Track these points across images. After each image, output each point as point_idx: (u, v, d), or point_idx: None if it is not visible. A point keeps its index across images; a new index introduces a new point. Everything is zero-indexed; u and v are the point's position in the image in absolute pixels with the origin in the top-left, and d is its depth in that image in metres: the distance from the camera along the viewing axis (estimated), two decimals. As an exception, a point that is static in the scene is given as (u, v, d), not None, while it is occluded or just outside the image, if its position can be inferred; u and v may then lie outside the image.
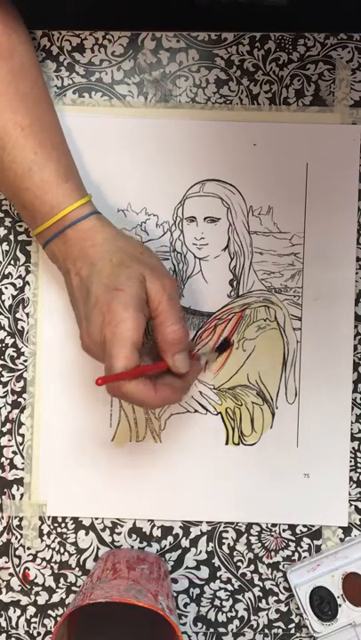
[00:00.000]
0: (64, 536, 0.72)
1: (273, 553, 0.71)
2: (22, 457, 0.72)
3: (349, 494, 0.71)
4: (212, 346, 0.71)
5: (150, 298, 0.62)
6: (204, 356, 0.70)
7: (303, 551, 0.71)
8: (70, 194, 0.64)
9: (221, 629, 0.71)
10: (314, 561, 0.70)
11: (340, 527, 0.71)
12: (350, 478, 0.71)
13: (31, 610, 0.72)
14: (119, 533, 0.72)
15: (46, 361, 0.72)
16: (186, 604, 0.71)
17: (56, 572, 0.72)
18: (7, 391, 0.72)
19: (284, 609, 0.71)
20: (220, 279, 0.72)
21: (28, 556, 0.72)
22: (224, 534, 0.71)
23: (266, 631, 0.71)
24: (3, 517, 0.72)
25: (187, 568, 0.71)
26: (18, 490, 0.72)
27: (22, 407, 0.72)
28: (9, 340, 0.72)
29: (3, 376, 0.72)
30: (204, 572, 0.71)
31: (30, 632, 0.72)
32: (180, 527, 0.72)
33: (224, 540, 0.71)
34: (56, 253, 0.65)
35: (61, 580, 0.72)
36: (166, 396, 0.62)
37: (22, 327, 0.72)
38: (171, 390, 0.63)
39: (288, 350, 0.72)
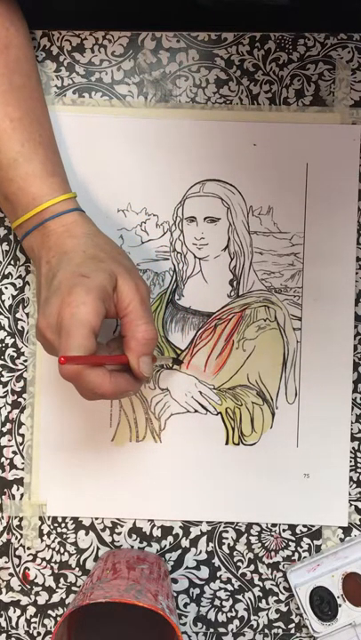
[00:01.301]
0: (64, 536, 0.72)
1: (273, 553, 0.71)
2: (22, 457, 0.72)
3: (349, 494, 0.71)
4: (169, 357, 0.71)
5: (122, 296, 0.61)
6: (159, 360, 0.69)
7: (303, 551, 0.71)
8: (55, 188, 0.64)
9: (221, 629, 0.71)
10: (314, 561, 0.70)
11: (340, 527, 0.71)
12: (350, 478, 0.71)
13: (31, 610, 0.72)
14: (119, 533, 0.72)
15: (46, 361, 0.72)
16: (186, 604, 0.71)
17: (56, 571, 0.72)
18: (7, 391, 0.72)
19: (284, 609, 0.71)
20: (220, 279, 0.72)
21: (28, 556, 0.72)
22: (224, 534, 0.71)
23: (266, 631, 0.71)
24: (3, 517, 0.72)
25: (187, 568, 0.72)
26: (18, 490, 0.72)
27: (22, 407, 0.72)
28: (9, 340, 0.72)
29: (3, 376, 0.72)
30: (204, 572, 0.71)
31: (30, 632, 0.72)
32: (180, 527, 0.72)
33: (224, 540, 0.71)
34: (33, 245, 0.64)
35: (61, 579, 0.72)
36: (121, 385, 0.60)
37: (22, 327, 0.72)
38: (125, 381, 0.61)
39: (288, 350, 0.72)
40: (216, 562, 0.71)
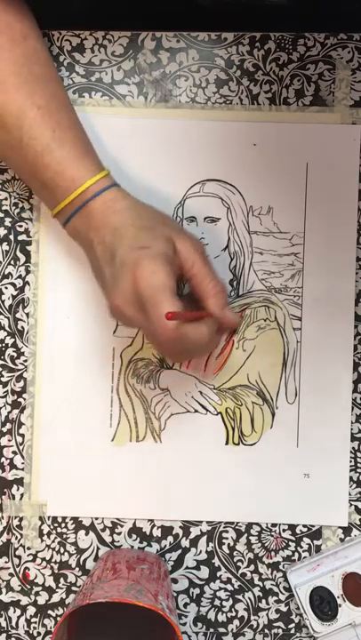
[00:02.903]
0: (64, 536, 0.72)
1: (273, 553, 0.71)
2: (22, 457, 0.72)
3: (349, 494, 0.71)
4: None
5: (183, 258, 0.63)
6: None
7: (303, 551, 0.71)
8: (90, 167, 0.65)
9: (221, 629, 0.71)
10: (314, 561, 0.70)
11: (340, 527, 0.71)
12: (350, 478, 0.71)
13: (31, 610, 0.72)
14: (119, 533, 0.72)
15: (46, 361, 0.72)
16: (186, 604, 0.71)
17: (56, 571, 0.72)
18: (7, 391, 0.72)
19: (284, 609, 0.71)
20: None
21: (28, 556, 0.72)
22: (224, 534, 0.71)
23: (266, 631, 0.71)
24: (3, 517, 0.72)
25: (187, 568, 0.72)
26: (18, 490, 0.72)
27: (22, 407, 0.72)
28: (9, 340, 0.72)
29: (3, 376, 0.72)
30: (204, 572, 0.71)
31: (30, 632, 0.72)
32: (180, 527, 0.72)
33: (224, 540, 0.71)
34: (78, 228, 0.65)
35: (61, 579, 0.72)
36: (211, 336, 0.63)
37: (22, 327, 0.72)
38: (210, 332, 0.63)
39: (288, 350, 0.72)
40: (216, 562, 0.71)
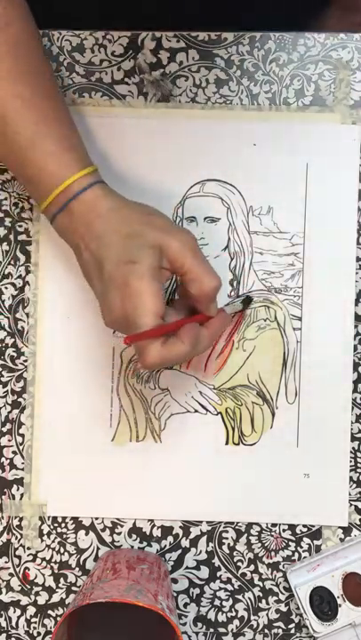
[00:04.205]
0: (64, 536, 0.72)
1: (273, 553, 0.71)
2: (22, 457, 0.72)
3: (349, 494, 0.71)
4: (238, 304, 0.71)
5: (173, 259, 0.61)
6: (228, 307, 0.69)
7: (303, 551, 0.71)
8: (72, 164, 0.63)
9: (221, 629, 0.71)
10: (314, 561, 0.70)
11: (340, 527, 0.71)
12: (350, 478, 0.71)
13: (31, 610, 0.72)
14: (119, 533, 0.72)
15: (46, 361, 0.72)
16: (186, 604, 0.71)
17: (56, 571, 0.72)
18: (7, 391, 0.72)
19: (284, 609, 0.71)
20: (220, 279, 0.72)
21: (28, 556, 0.72)
22: (224, 534, 0.71)
23: (266, 631, 0.71)
24: (3, 517, 0.72)
25: (187, 568, 0.71)
26: (18, 490, 0.72)
27: (22, 407, 0.72)
28: (9, 340, 0.72)
29: (3, 376, 0.72)
30: (204, 572, 0.71)
31: (30, 632, 0.72)
32: (180, 527, 0.72)
33: (224, 540, 0.71)
34: (63, 227, 0.64)
35: (61, 579, 0.72)
36: (195, 338, 0.61)
37: (22, 327, 0.72)
38: (196, 335, 0.62)
39: (288, 350, 0.72)
40: (216, 562, 0.71)
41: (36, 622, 0.72)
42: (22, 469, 0.72)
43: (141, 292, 0.59)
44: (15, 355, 0.72)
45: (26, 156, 0.63)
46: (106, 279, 0.60)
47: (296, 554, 0.71)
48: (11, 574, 0.72)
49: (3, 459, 0.72)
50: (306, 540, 0.71)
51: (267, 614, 0.71)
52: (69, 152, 0.63)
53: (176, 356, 0.61)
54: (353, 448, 0.71)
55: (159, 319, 0.59)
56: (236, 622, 0.71)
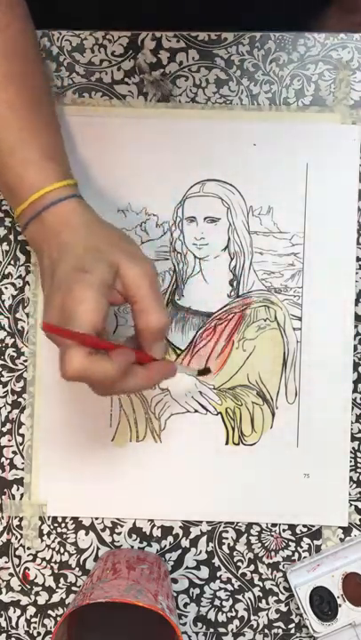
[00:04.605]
0: (64, 536, 0.72)
1: (273, 553, 0.71)
2: (22, 457, 0.72)
3: (349, 494, 0.71)
4: (193, 369, 0.70)
5: (128, 283, 0.59)
6: (180, 367, 0.66)
7: (303, 551, 0.71)
8: (52, 174, 0.62)
9: (221, 629, 0.71)
10: (314, 561, 0.70)
11: (340, 527, 0.71)
12: (350, 478, 0.71)
13: (31, 610, 0.72)
14: (119, 533, 0.72)
15: (46, 361, 0.72)
16: (186, 604, 0.71)
17: (56, 571, 0.72)
18: (7, 391, 0.72)
19: (284, 609, 0.71)
20: (220, 279, 0.72)
21: (28, 556, 0.72)
22: (224, 534, 0.71)
23: (266, 631, 0.71)
24: (3, 517, 0.72)
25: (187, 568, 0.72)
26: (18, 490, 0.72)
27: (22, 407, 0.72)
28: (9, 340, 0.72)
29: (3, 376, 0.72)
30: (204, 572, 0.71)
31: (30, 632, 0.72)
32: (180, 527, 0.72)
33: (224, 540, 0.71)
34: (33, 236, 0.63)
35: (61, 579, 0.72)
36: (125, 363, 0.57)
37: (22, 327, 0.72)
38: (128, 361, 0.58)
39: (288, 350, 0.72)
40: (216, 562, 0.71)
41: (36, 622, 0.72)
42: (22, 469, 0.72)
43: (83, 300, 0.56)
44: (15, 355, 0.72)
45: (6, 161, 0.62)
46: (55, 283, 0.59)
47: (296, 554, 0.71)
48: (11, 574, 0.72)
49: (3, 459, 0.72)
50: (306, 539, 0.71)
51: (267, 614, 0.71)
52: (50, 162, 0.63)
53: (99, 374, 0.56)
54: (353, 448, 0.71)
55: (93, 332, 0.56)
56: (236, 622, 0.71)
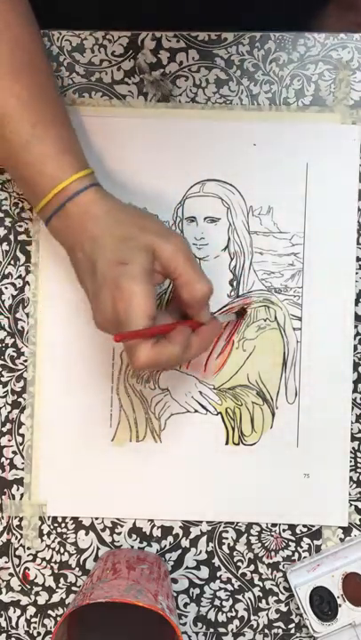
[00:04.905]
0: (64, 536, 0.72)
1: (273, 553, 0.71)
2: (22, 457, 0.72)
3: (349, 494, 0.71)
4: (231, 315, 0.71)
5: (166, 262, 0.61)
6: (220, 316, 0.69)
7: (303, 551, 0.71)
8: (68, 166, 0.63)
9: (221, 629, 0.71)
10: (314, 561, 0.70)
11: (340, 527, 0.71)
12: (350, 478, 0.71)
13: (31, 610, 0.72)
14: (119, 533, 0.72)
15: (46, 361, 0.72)
16: (186, 604, 0.71)
17: (56, 571, 0.72)
18: (7, 391, 0.72)
19: (284, 609, 0.71)
20: (220, 279, 0.72)
21: (28, 556, 0.72)
22: (224, 534, 0.71)
23: (266, 631, 0.71)
24: (3, 517, 0.72)
25: (187, 568, 0.72)
26: (18, 490, 0.72)
27: (22, 407, 0.72)
28: (9, 340, 0.72)
29: (3, 376, 0.72)
30: (204, 572, 0.71)
31: (30, 632, 0.72)
32: (180, 527, 0.72)
33: (224, 540, 0.71)
34: (58, 229, 0.64)
35: (61, 579, 0.72)
36: (185, 341, 0.61)
37: (22, 327, 0.72)
38: (186, 338, 0.62)
39: (288, 350, 0.72)
40: (216, 562, 0.71)
41: (36, 622, 0.72)
42: (22, 469, 0.72)
43: (133, 293, 0.59)
44: (15, 355, 0.72)
45: (22, 156, 0.63)
46: (98, 280, 0.60)
47: (296, 554, 0.71)
48: (11, 574, 0.72)
49: (3, 459, 0.72)
50: (306, 539, 0.71)
51: (267, 614, 0.71)
52: (66, 154, 0.63)
53: (167, 359, 0.60)
54: (353, 448, 0.71)
55: (151, 321, 0.59)
56: (236, 622, 0.71)
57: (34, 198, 0.65)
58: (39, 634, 0.72)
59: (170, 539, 0.72)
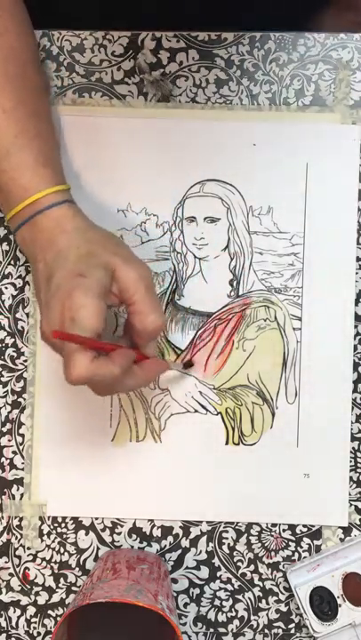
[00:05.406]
0: (64, 536, 0.72)
1: (273, 553, 0.71)
2: (22, 457, 0.72)
3: (349, 494, 0.71)
4: (179, 364, 0.71)
5: (124, 287, 0.60)
6: (171, 366, 0.69)
7: (303, 551, 0.71)
8: (46, 179, 0.63)
9: (221, 629, 0.71)
10: (314, 561, 0.70)
11: (340, 527, 0.71)
12: (350, 478, 0.71)
13: (31, 610, 0.72)
14: (119, 533, 0.72)
15: (46, 361, 0.72)
16: (186, 604, 0.71)
17: (56, 571, 0.72)
18: (7, 391, 0.72)
19: (284, 609, 0.71)
20: (220, 279, 0.72)
21: (28, 556, 0.72)
22: (224, 534, 0.71)
23: (266, 631, 0.71)
24: (3, 517, 0.72)
25: (187, 568, 0.72)
26: (18, 490, 0.72)
27: (22, 407, 0.72)
28: (9, 340, 0.72)
29: (3, 376, 0.72)
30: (204, 572, 0.71)
31: (30, 632, 0.72)
32: (180, 527, 0.72)
33: (224, 540, 0.71)
34: (25, 239, 0.63)
35: (61, 579, 0.72)
36: (127, 364, 0.59)
37: (22, 327, 0.72)
38: (128, 362, 0.60)
39: (288, 350, 0.72)
40: (216, 562, 0.71)
41: (36, 622, 0.72)
42: (22, 469, 0.72)
43: (83, 305, 0.57)
44: (15, 355, 0.72)
45: (1, 164, 0.63)
46: (52, 289, 0.59)
47: (296, 554, 0.71)
48: (11, 574, 0.72)
49: (3, 459, 0.72)
50: (306, 539, 0.71)
51: (267, 614, 0.71)
52: (44, 167, 0.63)
53: (103, 377, 0.58)
54: (353, 448, 0.71)
55: (95, 336, 0.58)
56: (236, 622, 0.71)
57: (6, 206, 0.64)
58: (39, 634, 0.72)
59: (170, 539, 0.72)
